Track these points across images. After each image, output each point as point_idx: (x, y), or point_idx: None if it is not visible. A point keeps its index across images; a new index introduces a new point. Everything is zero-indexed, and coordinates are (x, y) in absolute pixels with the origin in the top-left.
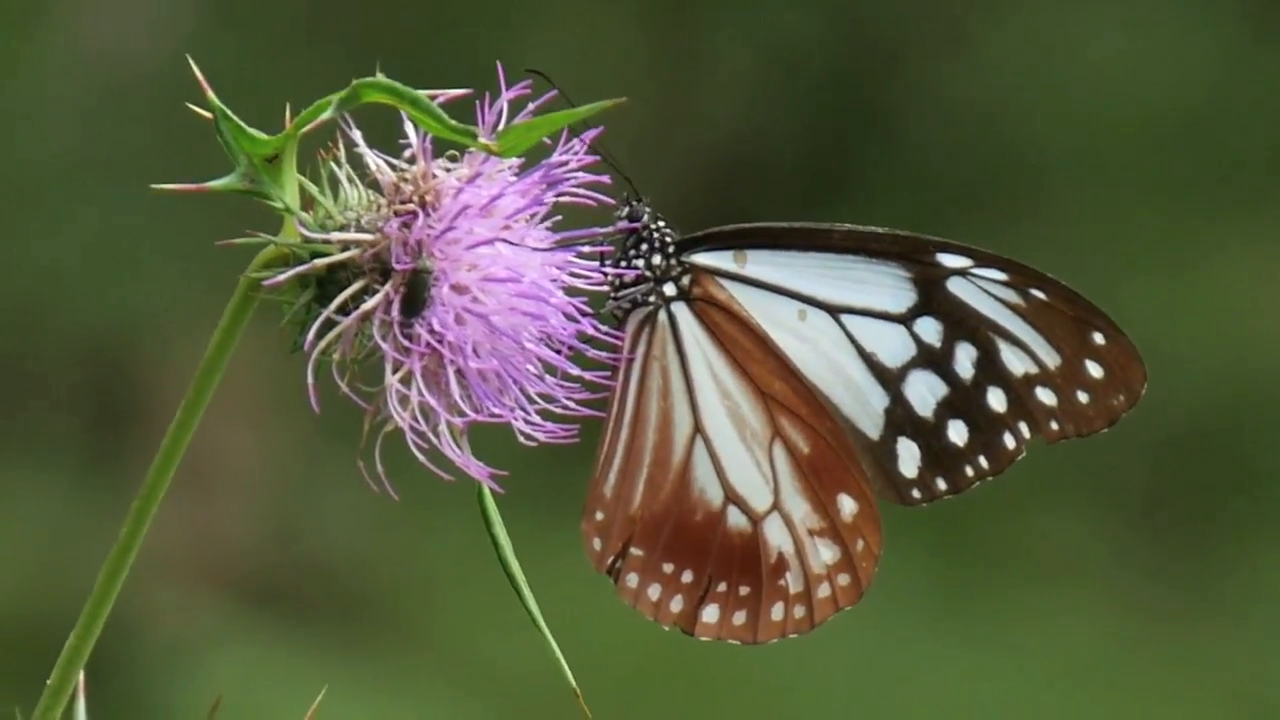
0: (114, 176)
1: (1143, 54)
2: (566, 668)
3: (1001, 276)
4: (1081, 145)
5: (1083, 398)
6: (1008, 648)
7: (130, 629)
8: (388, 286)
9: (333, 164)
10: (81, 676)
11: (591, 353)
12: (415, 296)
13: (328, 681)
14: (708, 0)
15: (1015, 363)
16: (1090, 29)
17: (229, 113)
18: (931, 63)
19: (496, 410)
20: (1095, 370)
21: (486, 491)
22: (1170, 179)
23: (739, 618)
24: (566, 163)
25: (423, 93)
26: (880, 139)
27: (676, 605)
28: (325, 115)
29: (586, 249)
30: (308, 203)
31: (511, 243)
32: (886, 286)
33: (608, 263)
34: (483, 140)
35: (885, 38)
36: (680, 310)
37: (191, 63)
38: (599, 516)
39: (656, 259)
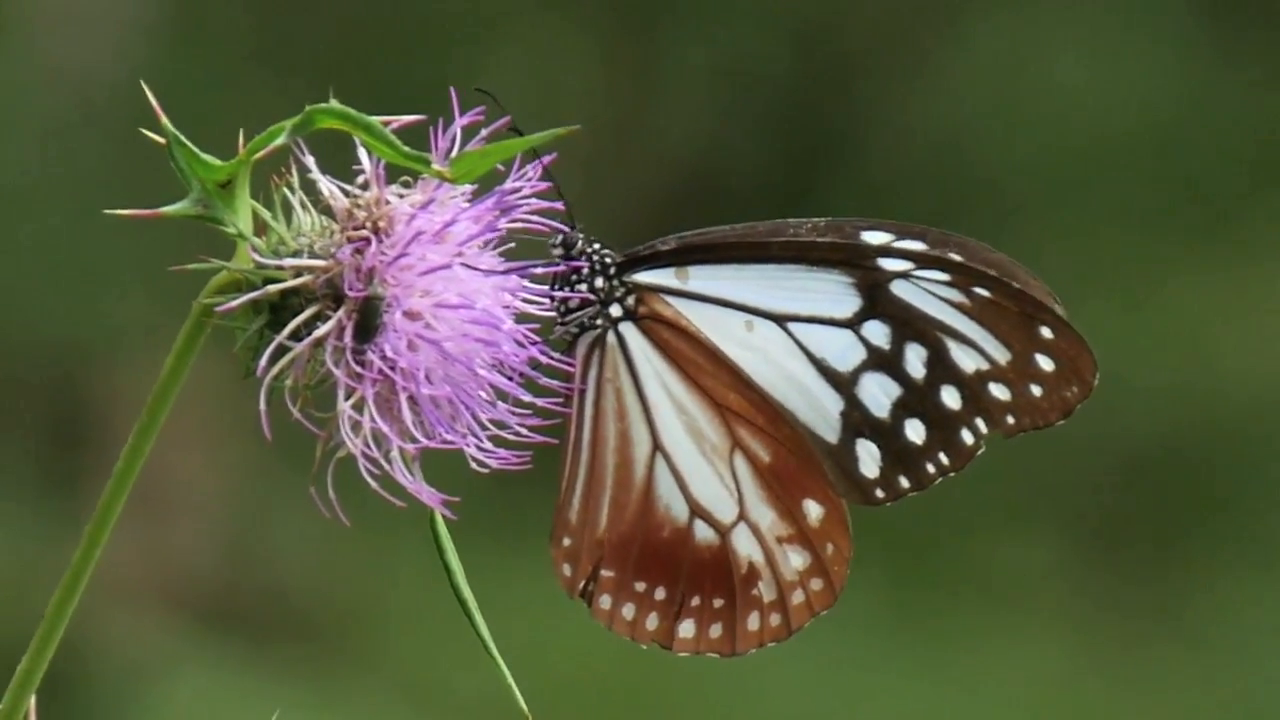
0: (67, 198)
1: (1106, 77)
2: (518, 693)
3: (944, 277)
4: (1043, 168)
5: (1036, 391)
6: (966, 673)
7: (84, 652)
8: (340, 312)
9: (286, 190)
10: (33, 701)
11: (544, 380)
12: (367, 323)
13: (281, 704)
14: (668, 20)
15: (966, 360)
16: (1054, 51)
17: (182, 138)
18: (892, 83)
19: (449, 436)
20: (1046, 363)
21: (439, 518)
22: (1133, 202)
23: (715, 630)
24: (520, 189)
25: (376, 119)
26: (840, 159)
27: (652, 623)
28: (278, 141)
29: (539, 271)
30: (261, 228)
31: (469, 266)
32: (830, 293)
33: (555, 288)
34: (436, 167)
35: (844, 58)
36: (628, 330)
37: (146, 89)
38: (566, 542)
39: (599, 281)
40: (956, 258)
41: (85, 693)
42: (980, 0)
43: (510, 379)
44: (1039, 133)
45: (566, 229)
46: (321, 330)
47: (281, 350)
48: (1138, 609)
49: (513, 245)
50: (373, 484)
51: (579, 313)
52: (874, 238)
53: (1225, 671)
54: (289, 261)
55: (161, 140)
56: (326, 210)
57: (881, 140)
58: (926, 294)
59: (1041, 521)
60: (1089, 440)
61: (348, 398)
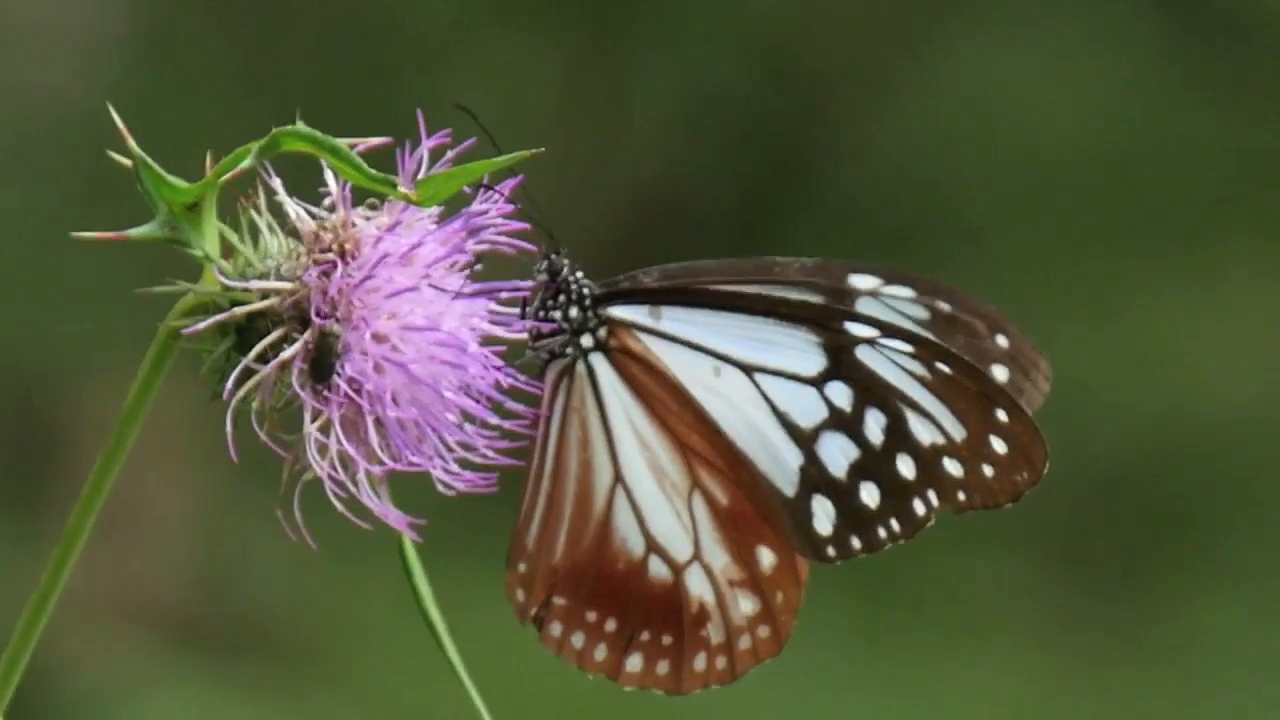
0: (32, 220)
1: (1070, 96)
2: (487, 716)
3: (908, 348)
4: (1012, 190)
5: (988, 471)
6: (933, 694)
7: (51, 675)
8: (306, 335)
9: (253, 212)
10: None
11: (510, 403)
12: (323, 361)
13: None
14: (631, 44)
15: (923, 432)
16: (1019, 71)
17: (149, 161)
18: (858, 107)
19: (415, 459)
20: (999, 446)
21: (406, 540)
22: (1101, 223)
23: (662, 667)
24: (487, 211)
25: (342, 141)
26: (807, 184)
27: (600, 654)
28: (245, 163)
29: (506, 296)
30: (228, 251)
31: (436, 287)
32: (798, 350)
33: (527, 313)
34: (402, 189)
35: (811, 82)
36: (598, 362)
37: (113, 111)
38: (521, 567)
39: (574, 311)
40: (946, 306)
41: (51, 716)
42: (945, 22)
43: (477, 402)
44: (1007, 153)
45: (553, 254)
46: (287, 353)
47: (248, 373)
48: (1105, 628)
49: (480, 267)
50: (339, 506)
51: (549, 340)
52: (861, 281)
53: (1192, 692)
54: (255, 284)
55: (128, 162)
56: (293, 233)
57: (847, 162)
58: (890, 363)
59: (1009, 540)
60: (1056, 458)
61: (314, 420)
